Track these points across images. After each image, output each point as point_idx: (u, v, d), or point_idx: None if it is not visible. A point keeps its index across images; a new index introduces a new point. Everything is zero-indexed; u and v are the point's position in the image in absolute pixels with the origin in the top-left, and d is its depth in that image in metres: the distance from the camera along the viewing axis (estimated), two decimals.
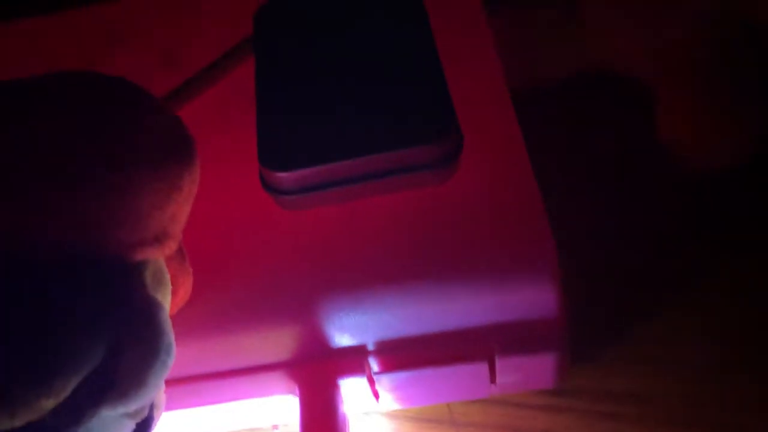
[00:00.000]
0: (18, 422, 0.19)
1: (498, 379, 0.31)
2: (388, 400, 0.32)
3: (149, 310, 0.22)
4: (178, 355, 0.23)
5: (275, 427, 0.36)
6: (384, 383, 0.31)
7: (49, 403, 0.19)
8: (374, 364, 0.30)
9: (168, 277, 0.25)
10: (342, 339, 0.30)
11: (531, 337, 0.30)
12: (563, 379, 0.32)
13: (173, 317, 0.24)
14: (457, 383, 0.31)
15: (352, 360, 0.30)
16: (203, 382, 0.30)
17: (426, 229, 0.29)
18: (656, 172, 0.41)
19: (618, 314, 0.37)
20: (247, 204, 0.31)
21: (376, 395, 0.32)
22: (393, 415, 0.36)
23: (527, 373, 0.31)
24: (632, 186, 0.41)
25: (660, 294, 0.37)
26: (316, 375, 0.30)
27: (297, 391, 0.30)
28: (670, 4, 0.45)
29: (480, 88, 0.33)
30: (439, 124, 0.29)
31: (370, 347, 0.30)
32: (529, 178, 0.30)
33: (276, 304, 0.29)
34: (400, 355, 0.30)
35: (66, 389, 0.20)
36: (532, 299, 0.29)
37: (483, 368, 0.30)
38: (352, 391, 0.31)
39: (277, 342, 0.30)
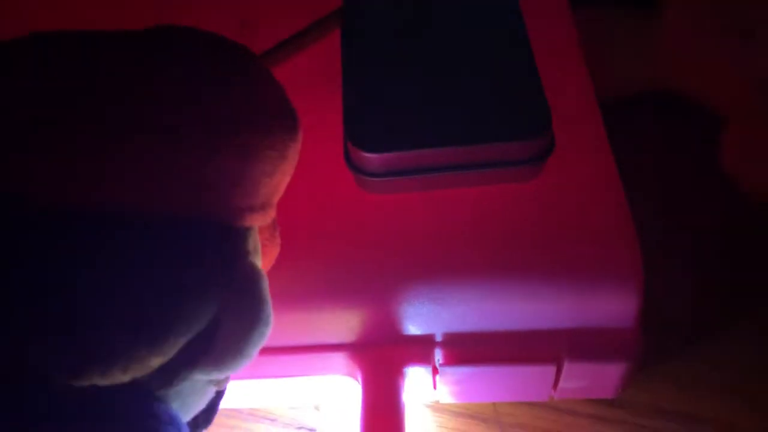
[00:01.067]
0: (127, 377, 0.18)
1: (560, 384, 0.31)
2: (445, 393, 0.32)
3: (253, 278, 0.21)
4: None
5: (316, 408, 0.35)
6: (447, 376, 0.30)
7: (157, 361, 0.19)
8: (440, 356, 0.30)
9: (260, 246, 0.24)
10: (412, 327, 0.29)
11: (604, 344, 0.29)
12: (624, 389, 0.32)
13: None
14: (519, 384, 0.31)
15: (419, 349, 0.30)
16: (267, 356, 0.30)
17: (509, 226, 0.29)
18: (726, 192, 0.41)
19: (680, 331, 0.37)
20: (330, 183, 0.30)
21: (435, 387, 0.32)
22: (438, 408, 0.36)
23: (591, 380, 0.31)
24: (704, 204, 0.41)
25: (728, 319, 0.37)
26: (383, 361, 0.30)
27: (359, 375, 0.30)
28: (757, 37, 0.44)
29: (566, 87, 0.33)
30: (535, 122, 0.28)
31: (439, 338, 0.30)
32: (615, 183, 0.30)
33: (351, 286, 0.29)
34: (468, 349, 0.30)
35: (174, 349, 0.19)
36: (611, 306, 0.28)
37: (549, 372, 0.30)
38: (411, 380, 0.31)
39: (347, 323, 0.29)
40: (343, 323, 0.29)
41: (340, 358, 0.30)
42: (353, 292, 0.29)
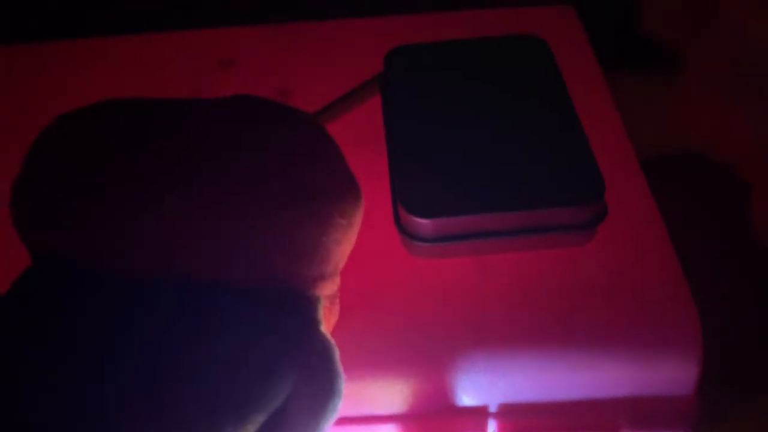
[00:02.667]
0: None
1: None
2: None
3: (327, 350, 0.21)
4: None
5: None
6: None
7: None
8: (495, 427, 0.29)
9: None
10: (466, 397, 0.29)
11: (661, 412, 0.29)
12: None
13: None
14: None
15: (473, 420, 0.29)
16: None
17: (563, 293, 0.28)
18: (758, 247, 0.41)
19: (735, 388, 0.36)
20: (379, 247, 0.30)
21: None
22: None
23: None
24: (737, 261, 0.40)
25: None
26: None
27: None
28: None
29: (608, 150, 0.33)
30: (590, 187, 0.28)
31: (493, 409, 0.29)
32: (667, 246, 0.30)
33: (402, 355, 0.28)
34: (524, 420, 0.29)
35: (255, 427, 0.18)
36: (671, 373, 0.28)
37: None
38: None
39: (399, 393, 0.28)
40: (394, 393, 0.28)
41: (391, 431, 0.29)
42: (405, 361, 0.28)
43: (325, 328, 0.25)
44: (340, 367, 0.21)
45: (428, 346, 0.28)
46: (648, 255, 0.29)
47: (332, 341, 0.21)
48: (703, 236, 0.42)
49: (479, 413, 0.29)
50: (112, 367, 0.17)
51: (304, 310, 0.20)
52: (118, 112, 0.22)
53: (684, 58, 0.47)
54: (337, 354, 0.21)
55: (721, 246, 0.41)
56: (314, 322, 0.20)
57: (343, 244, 0.22)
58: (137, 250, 0.20)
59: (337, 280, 0.22)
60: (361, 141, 0.34)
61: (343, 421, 0.29)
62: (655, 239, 0.29)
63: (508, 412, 0.29)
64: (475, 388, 0.28)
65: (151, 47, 0.42)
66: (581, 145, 0.29)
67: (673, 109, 0.46)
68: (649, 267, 0.29)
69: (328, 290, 0.21)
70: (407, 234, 0.28)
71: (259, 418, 0.18)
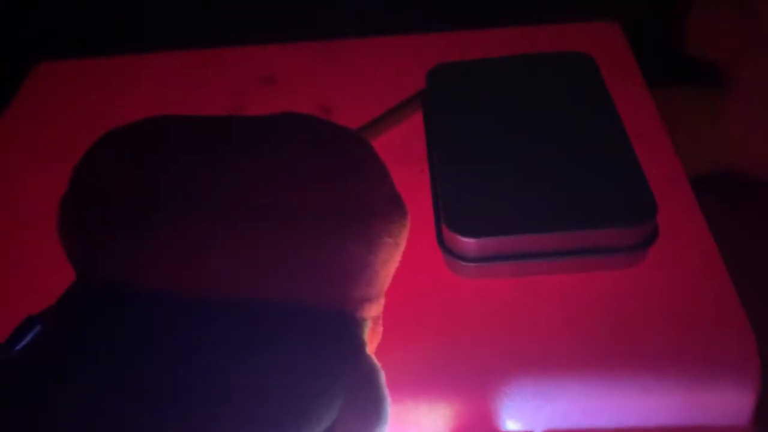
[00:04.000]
0: None
1: None
2: None
3: (373, 374, 0.20)
4: None
5: None
6: None
7: None
8: None
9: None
10: (510, 422, 0.28)
11: None
12: None
13: None
14: None
15: None
16: None
17: (612, 316, 0.28)
18: None
19: None
20: (422, 268, 0.29)
21: None
22: None
23: None
24: None
25: None
26: None
27: None
28: None
29: (658, 169, 0.32)
30: (641, 208, 0.27)
31: None
32: (720, 268, 0.29)
33: (446, 378, 0.27)
34: None
35: None
36: (724, 404, 0.27)
37: None
38: None
39: (442, 416, 0.28)
40: (437, 416, 0.28)
41: None
42: (448, 384, 0.27)
43: (369, 350, 0.24)
44: (386, 391, 0.20)
45: (472, 369, 0.27)
46: (700, 277, 0.28)
47: (378, 364, 0.20)
48: (754, 257, 0.40)
49: None
50: (155, 389, 0.17)
51: (351, 332, 0.20)
52: (163, 130, 0.22)
53: (730, 75, 0.46)
54: (383, 378, 0.20)
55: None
56: (360, 345, 0.20)
57: (390, 265, 0.21)
58: (184, 270, 0.19)
59: (383, 301, 0.22)
60: (403, 159, 0.34)
61: None
62: (707, 261, 0.29)
63: None
64: (520, 412, 0.27)
65: (193, 64, 0.42)
66: (631, 164, 0.28)
67: (718, 127, 0.45)
68: (702, 290, 0.28)
69: (374, 311, 0.21)
70: (451, 254, 0.28)
71: None
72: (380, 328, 0.25)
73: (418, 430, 0.28)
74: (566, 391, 0.27)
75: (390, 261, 0.22)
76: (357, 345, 0.20)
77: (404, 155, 0.34)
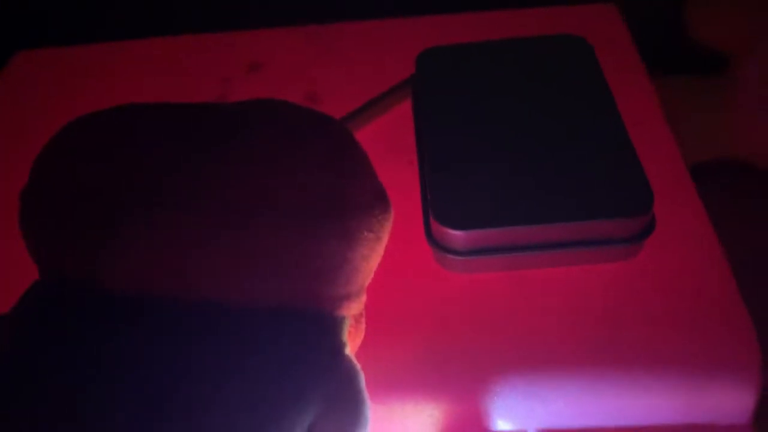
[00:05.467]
0: None
1: None
2: None
3: (352, 375, 0.19)
4: None
5: None
6: None
7: None
8: None
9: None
10: (502, 422, 0.27)
11: None
12: None
13: None
14: None
15: None
16: None
17: (608, 311, 0.26)
18: None
19: None
20: (408, 262, 0.28)
21: None
22: None
23: None
24: None
25: None
26: None
27: None
28: None
29: (657, 158, 0.31)
30: (638, 199, 0.26)
31: None
32: (721, 261, 0.27)
33: (435, 377, 0.26)
34: None
35: None
36: (724, 402, 0.26)
37: None
38: None
39: (430, 417, 0.27)
40: (425, 417, 0.27)
41: None
42: (436, 383, 0.26)
43: (350, 349, 0.23)
44: (365, 394, 0.19)
45: (462, 367, 0.26)
46: (700, 270, 0.27)
47: (357, 366, 0.19)
48: (755, 248, 0.39)
49: None
50: (121, 394, 0.16)
51: (329, 333, 0.19)
52: (131, 118, 0.20)
53: (734, 62, 0.45)
54: (362, 379, 0.19)
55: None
56: (339, 346, 0.19)
57: (371, 260, 0.20)
58: (151, 270, 0.18)
59: (363, 298, 0.21)
60: (391, 148, 0.33)
61: None
62: (707, 253, 0.27)
63: None
64: (512, 412, 0.26)
65: (178, 50, 0.41)
66: (627, 153, 0.27)
67: (721, 114, 0.44)
68: (701, 284, 0.26)
69: (354, 309, 0.20)
70: (439, 247, 0.27)
71: None
72: (363, 326, 0.24)
73: (406, 431, 0.27)
74: (560, 390, 0.26)
75: (371, 257, 0.20)
76: (335, 346, 0.19)
77: (393, 145, 0.33)
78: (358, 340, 0.24)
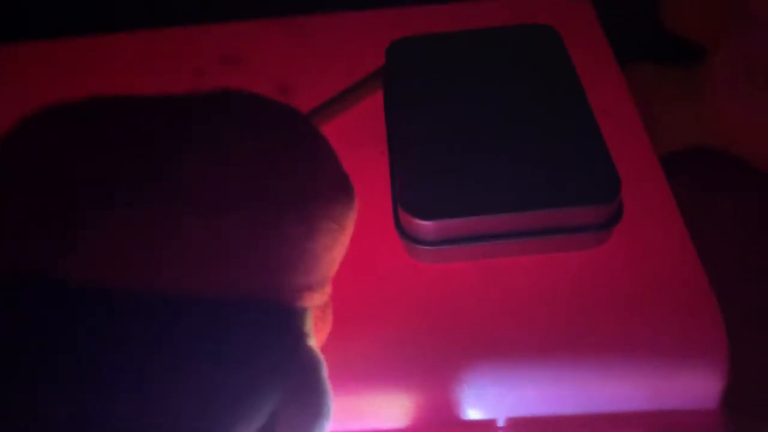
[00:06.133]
0: None
1: None
2: None
3: (314, 366, 0.19)
4: None
5: None
6: None
7: None
8: None
9: (313, 326, 0.22)
10: (472, 411, 0.27)
11: (684, 427, 0.26)
12: None
13: None
14: None
15: None
16: None
17: (576, 298, 0.26)
18: None
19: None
20: (377, 253, 0.28)
21: None
22: None
23: None
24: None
25: None
26: None
27: None
28: None
29: (624, 146, 0.31)
30: (605, 185, 0.26)
31: (501, 423, 0.27)
32: (688, 248, 0.28)
33: (404, 366, 0.26)
34: None
35: None
36: (692, 387, 0.26)
37: None
38: None
39: (400, 407, 0.27)
40: (396, 407, 0.27)
41: None
42: (407, 372, 0.26)
43: (316, 340, 0.23)
44: (327, 384, 0.19)
45: (431, 357, 0.26)
46: (668, 258, 0.27)
47: (320, 356, 0.19)
48: (725, 235, 0.39)
49: (486, 428, 0.27)
50: (79, 386, 0.16)
51: (290, 324, 0.19)
52: (90, 110, 0.20)
53: (707, 51, 0.45)
54: (324, 370, 0.19)
55: (744, 246, 0.38)
56: (300, 337, 0.19)
57: (334, 251, 0.20)
58: (109, 263, 0.18)
59: (328, 289, 0.21)
60: (364, 139, 0.33)
61: None
62: (675, 241, 0.27)
63: (517, 427, 0.27)
64: (482, 401, 0.26)
65: (149, 44, 0.40)
66: (595, 140, 0.27)
67: (693, 103, 0.44)
68: (669, 271, 0.27)
69: (317, 300, 0.20)
70: (408, 237, 0.27)
71: None
72: (330, 317, 0.24)
73: (377, 421, 0.27)
74: (529, 378, 0.26)
75: (334, 247, 0.20)
76: (295, 336, 0.19)
77: (365, 135, 0.33)
78: (326, 331, 0.24)
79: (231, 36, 0.40)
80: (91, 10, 0.46)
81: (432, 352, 0.26)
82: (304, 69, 0.37)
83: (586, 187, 0.26)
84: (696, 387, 0.26)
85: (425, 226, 0.26)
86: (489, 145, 0.28)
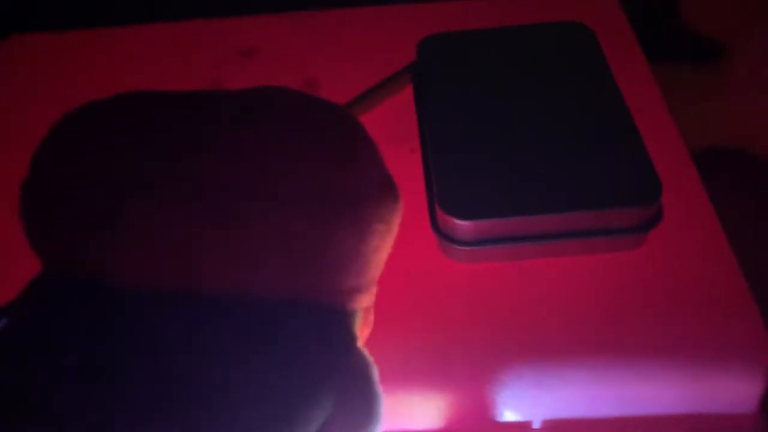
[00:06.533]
0: None
1: None
2: None
3: (366, 371, 0.19)
4: None
5: None
6: None
7: None
8: None
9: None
10: (508, 412, 0.26)
11: (721, 430, 0.26)
12: None
13: None
14: None
15: None
16: None
17: (615, 300, 0.26)
18: None
19: None
20: (414, 252, 0.28)
21: None
22: None
23: None
24: None
25: None
26: None
27: None
28: None
29: (659, 147, 0.30)
30: (646, 188, 0.26)
31: (537, 425, 0.27)
32: (726, 250, 0.27)
33: (441, 367, 0.26)
34: None
35: None
36: (731, 390, 0.26)
37: None
38: None
39: (437, 408, 0.26)
40: (432, 408, 0.26)
41: None
42: (443, 373, 0.26)
43: (360, 341, 0.23)
44: (378, 388, 0.19)
45: (467, 358, 0.26)
46: (706, 260, 0.27)
47: (370, 359, 0.19)
48: (753, 237, 0.39)
49: (522, 429, 0.27)
50: (129, 392, 0.16)
51: (341, 326, 0.18)
52: (132, 107, 0.20)
53: (730, 49, 0.45)
54: (376, 374, 0.19)
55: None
56: (351, 340, 0.18)
57: (382, 252, 0.20)
58: (159, 263, 0.18)
59: (374, 290, 0.20)
60: (393, 136, 0.32)
61: None
62: (712, 243, 0.27)
63: (554, 429, 0.27)
64: (518, 402, 0.26)
65: (170, 37, 0.40)
66: (634, 141, 0.27)
67: (716, 102, 0.43)
68: (707, 273, 0.26)
69: (365, 302, 0.20)
70: (445, 237, 0.26)
71: None
72: (371, 318, 0.24)
73: (411, 422, 0.27)
74: (566, 380, 0.26)
75: (382, 248, 0.20)
76: (348, 340, 0.18)
77: (394, 133, 0.32)
78: (367, 332, 0.24)
79: (256, 29, 0.40)
80: (112, 2, 0.45)
81: (468, 353, 0.26)
82: (330, 64, 0.37)
83: (626, 189, 0.26)
84: (735, 390, 0.25)
85: (463, 226, 0.26)
86: (525, 144, 0.27)
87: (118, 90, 0.23)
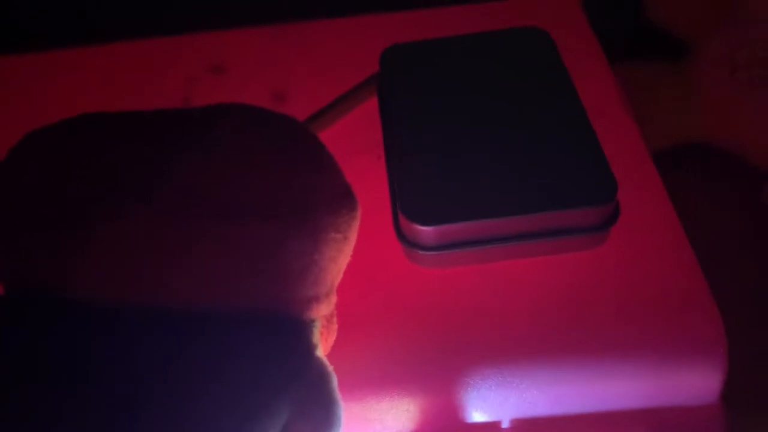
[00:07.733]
0: None
1: None
2: None
3: (324, 377, 0.19)
4: None
5: None
6: None
7: None
8: None
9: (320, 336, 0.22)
10: (476, 413, 0.27)
11: (684, 424, 0.27)
12: None
13: None
14: None
15: None
16: None
17: (576, 299, 0.27)
18: None
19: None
20: (379, 259, 0.28)
21: None
22: None
23: None
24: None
25: None
26: None
27: None
28: None
29: (618, 146, 0.31)
30: (601, 187, 0.26)
31: (506, 424, 0.27)
32: (685, 246, 0.28)
33: (408, 371, 0.26)
34: None
35: None
36: (692, 384, 0.26)
37: None
38: None
39: (406, 411, 0.27)
40: (401, 412, 0.27)
41: None
42: (411, 377, 0.26)
43: (322, 349, 0.23)
44: (337, 395, 0.19)
45: (435, 362, 0.26)
46: (665, 257, 0.27)
47: (329, 367, 0.19)
48: (717, 232, 0.40)
49: (491, 430, 0.27)
50: (79, 405, 0.16)
51: (298, 336, 0.19)
52: (92, 126, 0.20)
53: (692, 46, 0.45)
54: (334, 381, 0.19)
55: (739, 242, 0.39)
56: (308, 349, 0.19)
57: (339, 261, 0.20)
58: (113, 276, 0.18)
59: (333, 299, 0.21)
60: (360, 144, 0.33)
61: None
62: (671, 240, 0.28)
63: (522, 428, 0.27)
64: (486, 403, 0.27)
65: (138, 54, 0.40)
66: (590, 142, 0.27)
67: (682, 99, 0.44)
68: (666, 270, 0.27)
69: (323, 311, 0.20)
70: (409, 243, 0.27)
71: None
72: (335, 326, 0.24)
73: (383, 427, 0.27)
74: (532, 380, 0.26)
75: (338, 257, 0.20)
76: (305, 349, 0.19)
77: (361, 142, 0.33)
78: (331, 340, 0.24)
79: (222, 44, 0.40)
80: (82, 21, 0.46)
81: (434, 357, 0.26)
82: (298, 76, 0.37)
83: (583, 189, 0.26)
84: (696, 383, 0.26)
85: (425, 231, 0.26)
86: (485, 149, 0.28)
87: (87, 109, 0.23)
